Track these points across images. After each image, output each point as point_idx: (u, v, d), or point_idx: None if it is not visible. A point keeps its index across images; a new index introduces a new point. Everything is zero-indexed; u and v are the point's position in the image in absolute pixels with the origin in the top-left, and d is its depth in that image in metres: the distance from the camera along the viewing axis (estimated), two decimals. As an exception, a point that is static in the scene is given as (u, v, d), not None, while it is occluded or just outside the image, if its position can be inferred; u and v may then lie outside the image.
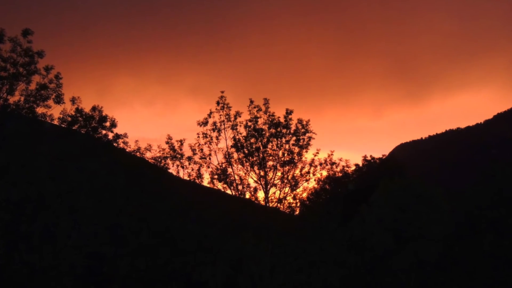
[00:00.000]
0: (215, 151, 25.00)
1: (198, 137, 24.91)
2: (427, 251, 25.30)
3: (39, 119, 20.19)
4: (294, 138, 25.08)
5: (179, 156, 24.84)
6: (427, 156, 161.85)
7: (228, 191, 25.30)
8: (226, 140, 24.98)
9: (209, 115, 24.93)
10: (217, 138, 24.90)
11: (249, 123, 24.91)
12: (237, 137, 24.83)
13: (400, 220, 26.49)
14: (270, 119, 24.99)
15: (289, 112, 25.17)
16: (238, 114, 24.99)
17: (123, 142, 23.48)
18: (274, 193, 25.19)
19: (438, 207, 26.98)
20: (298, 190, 25.75)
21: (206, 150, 24.94)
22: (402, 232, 26.32)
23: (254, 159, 24.84)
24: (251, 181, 25.02)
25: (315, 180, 26.58)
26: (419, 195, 27.14)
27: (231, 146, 24.88)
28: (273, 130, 24.88)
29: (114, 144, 23.25)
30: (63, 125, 21.36)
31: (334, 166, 26.30)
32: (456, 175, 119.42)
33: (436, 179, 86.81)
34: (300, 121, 25.26)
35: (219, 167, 24.98)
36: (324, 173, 26.67)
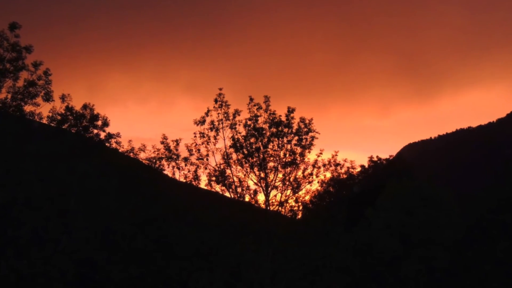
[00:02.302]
0: (213, 152, 24.99)
1: (195, 136, 24.89)
2: (436, 257, 25.30)
3: (27, 118, 20.21)
4: (296, 137, 25.06)
5: (175, 156, 24.81)
6: (437, 157, 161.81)
7: (227, 194, 25.28)
8: (224, 140, 24.95)
9: (207, 114, 24.90)
10: (215, 137, 24.86)
11: (249, 122, 24.89)
12: (236, 136, 24.81)
13: (408, 224, 26.50)
14: (271, 118, 24.97)
15: (291, 111, 25.15)
16: (237, 112, 24.97)
17: (116, 142, 23.53)
18: (275, 195, 25.18)
19: (448, 210, 26.99)
20: (300, 192, 25.72)
21: (203, 150, 24.92)
22: (410, 237, 26.33)
23: (254, 160, 24.83)
24: (250, 183, 25.00)
25: (318, 182, 26.53)
26: (428, 198, 27.14)
27: (230, 146, 24.87)
28: (274, 130, 24.86)
29: (106, 144, 23.28)
30: (52, 124, 21.39)
31: (338, 167, 26.25)
32: (468, 177, 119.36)
33: (446, 181, 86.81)
34: (302, 119, 25.25)
35: (217, 169, 24.98)
36: (328, 174, 26.64)
